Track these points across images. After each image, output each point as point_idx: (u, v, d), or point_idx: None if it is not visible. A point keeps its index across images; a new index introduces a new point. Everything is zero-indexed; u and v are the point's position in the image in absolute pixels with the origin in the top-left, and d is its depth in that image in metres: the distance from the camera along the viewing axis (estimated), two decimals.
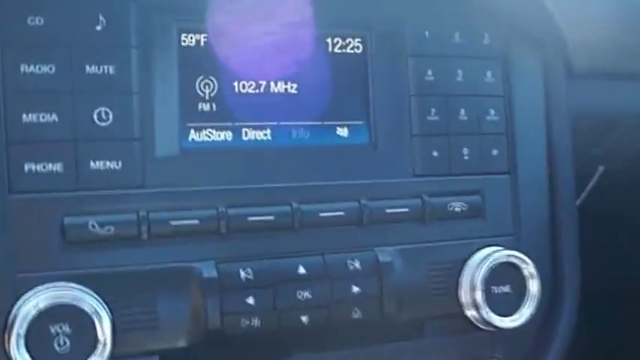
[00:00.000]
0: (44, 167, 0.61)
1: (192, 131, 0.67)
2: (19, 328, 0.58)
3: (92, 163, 0.63)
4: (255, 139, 0.70)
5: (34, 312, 0.58)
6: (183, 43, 0.67)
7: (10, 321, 0.58)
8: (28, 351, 0.57)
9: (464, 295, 0.74)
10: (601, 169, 0.96)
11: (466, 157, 0.76)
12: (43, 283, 0.60)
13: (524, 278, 0.75)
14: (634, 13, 0.85)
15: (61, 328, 0.59)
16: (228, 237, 0.66)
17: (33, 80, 0.61)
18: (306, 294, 0.67)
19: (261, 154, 0.69)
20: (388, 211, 0.71)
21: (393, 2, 0.74)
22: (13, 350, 0.57)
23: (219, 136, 0.68)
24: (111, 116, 0.63)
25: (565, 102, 0.81)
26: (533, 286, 0.75)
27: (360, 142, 0.73)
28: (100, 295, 0.61)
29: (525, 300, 0.75)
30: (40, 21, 0.62)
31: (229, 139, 0.69)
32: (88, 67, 0.63)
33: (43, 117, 0.61)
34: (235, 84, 0.69)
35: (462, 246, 0.75)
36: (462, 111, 0.76)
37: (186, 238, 0.65)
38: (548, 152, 0.81)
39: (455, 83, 0.76)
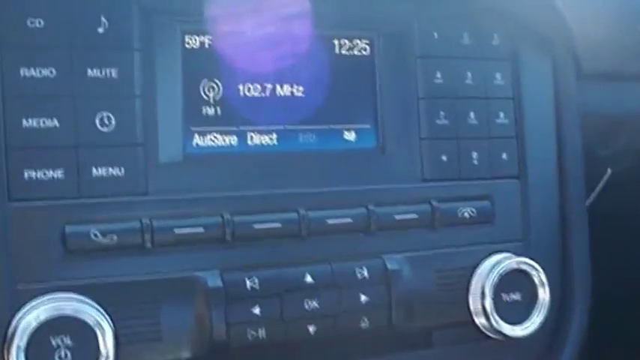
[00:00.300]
0: (45, 174, 0.60)
1: (196, 136, 0.66)
2: (20, 340, 0.56)
3: (94, 170, 0.61)
4: (261, 144, 0.68)
5: (34, 324, 0.56)
6: (186, 46, 0.66)
7: (9, 333, 0.57)
8: None
9: (473, 303, 0.73)
10: (609, 171, 0.95)
11: (475, 162, 0.75)
12: (44, 294, 0.58)
13: (534, 286, 0.74)
14: None
15: (62, 340, 0.57)
16: (233, 245, 0.64)
17: (33, 84, 0.59)
18: (314, 303, 0.66)
19: (267, 159, 0.68)
20: (397, 217, 0.70)
21: (401, 3, 0.73)
22: None
23: (224, 140, 0.67)
24: (113, 121, 0.62)
25: (576, 104, 0.80)
26: (544, 294, 0.74)
27: (368, 146, 0.72)
28: (102, 306, 0.59)
29: (536, 308, 0.74)
30: (40, 23, 0.60)
31: (234, 143, 0.67)
32: (89, 71, 0.61)
33: (44, 122, 0.60)
34: (240, 87, 0.68)
35: (471, 252, 0.74)
36: (472, 114, 0.75)
37: (190, 247, 0.63)
38: (558, 156, 0.79)
39: (464, 85, 0.75)
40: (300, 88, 0.70)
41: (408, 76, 0.73)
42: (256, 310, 0.64)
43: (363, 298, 0.67)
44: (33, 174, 0.59)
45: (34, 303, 0.58)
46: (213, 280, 0.63)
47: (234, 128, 0.67)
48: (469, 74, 0.75)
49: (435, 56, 0.74)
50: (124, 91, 0.62)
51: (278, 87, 0.69)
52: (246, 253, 0.65)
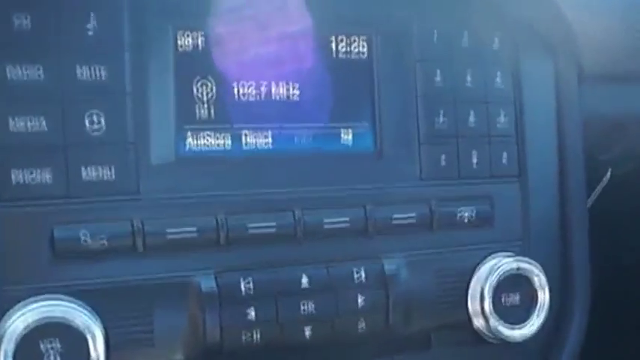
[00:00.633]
0: (32, 175, 0.58)
1: (189, 136, 0.65)
2: (7, 345, 0.55)
3: (84, 171, 0.60)
4: (256, 145, 0.67)
5: (22, 328, 0.55)
6: (179, 45, 0.64)
7: None
8: None
9: (472, 305, 0.72)
10: (609, 173, 0.94)
11: (475, 163, 0.74)
12: (32, 297, 0.57)
13: (534, 288, 0.73)
14: None
15: (51, 345, 0.56)
16: (227, 248, 0.63)
17: (20, 84, 0.58)
18: (310, 306, 0.65)
19: (262, 161, 0.67)
20: (395, 218, 0.69)
21: (400, 2, 0.72)
22: None
23: (218, 141, 0.66)
24: (103, 121, 0.61)
25: (577, 106, 0.79)
26: (544, 297, 0.73)
27: (365, 147, 0.71)
28: (93, 310, 0.58)
29: (535, 310, 0.73)
30: (27, 20, 0.59)
31: (228, 144, 0.66)
32: (78, 70, 0.60)
33: (32, 122, 0.58)
34: (234, 87, 0.66)
35: (470, 254, 0.73)
36: (471, 116, 0.74)
37: (183, 249, 0.62)
38: (559, 158, 0.79)
39: (464, 87, 0.74)
40: (296, 88, 0.68)
41: (407, 77, 0.72)
42: (251, 314, 0.63)
43: (360, 300, 0.66)
44: (20, 175, 0.58)
45: (22, 307, 0.57)
46: (207, 283, 0.62)
47: (229, 128, 0.66)
48: (469, 76, 0.74)
49: (434, 57, 0.73)
50: (115, 91, 0.61)
51: (273, 87, 0.68)
52: (240, 255, 0.64)
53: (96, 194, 0.60)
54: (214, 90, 0.66)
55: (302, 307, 0.64)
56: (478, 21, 0.75)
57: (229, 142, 0.66)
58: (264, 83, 0.67)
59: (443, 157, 0.72)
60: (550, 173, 0.78)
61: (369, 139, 0.71)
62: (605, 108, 0.84)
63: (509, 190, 0.76)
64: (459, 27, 0.74)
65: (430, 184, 0.72)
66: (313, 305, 0.65)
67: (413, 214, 0.70)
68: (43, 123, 0.59)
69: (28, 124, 0.58)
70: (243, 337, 0.62)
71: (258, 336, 0.63)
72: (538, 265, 0.73)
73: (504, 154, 0.75)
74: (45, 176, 0.59)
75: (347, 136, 0.70)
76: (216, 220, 0.63)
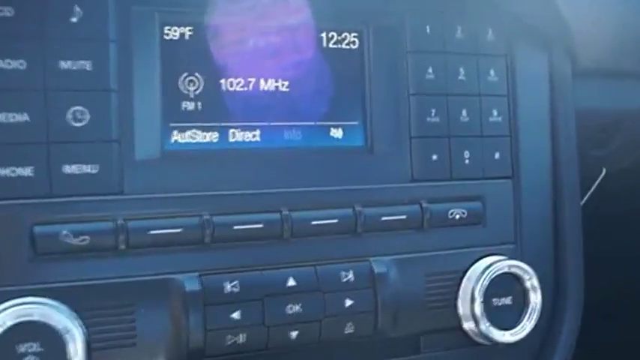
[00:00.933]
0: (13, 171, 0.57)
1: (175, 132, 0.63)
2: None
3: (66, 167, 0.58)
4: (244, 141, 0.66)
5: None
6: (165, 37, 0.63)
7: None
8: None
9: (462, 307, 0.71)
10: (604, 171, 0.93)
11: (467, 161, 0.72)
12: (10, 298, 0.56)
13: (526, 290, 0.72)
14: None
15: (29, 347, 0.54)
16: (212, 247, 0.62)
17: (2, 76, 0.57)
18: (297, 308, 0.63)
19: (250, 157, 0.65)
20: (384, 218, 0.68)
21: None
22: None
23: (205, 137, 0.64)
24: (87, 116, 0.59)
25: (572, 102, 0.78)
26: (536, 299, 0.72)
27: (356, 144, 0.69)
28: (73, 311, 0.57)
29: (527, 313, 0.72)
30: (9, 11, 0.57)
31: (215, 140, 0.65)
32: (62, 63, 0.58)
33: (13, 116, 0.57)
34: (222, 81, 0.65)
35: (461, 255, 0.72)
36: (464, 112, 0.73)
37: (167, 249, 0.61)
38: (552, 155, 0.77)
39: (456, 82, 0.73)
40: (286, 83, 0.67)
41: (399, 71, 0.71)
42: (236, 315, 0.61)
43: (348, 302, 0.65)
44: (1, 171, 0.56)
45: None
46: (191, 284, 0.61)
47: (216, 124, 0.65)
48: (462, 70, 0.73)
49: (426, 51, 0.72)
50: (99, 85, 0.59)
51: (262, 81, 0.66)
52: (226, 255, 0.63)
53: (79, 191, 0.59)
54: (202, 85, 0.64)
55: (288, 309, 0.63)
56: (471, 14, 0.73)
57: (216, 138, 0.65)
58: (253, 78, 0.66)
59: (434, 154, 0.71)
60: (543, 171, 0.77)
61: (359, 134, 0.70)
62: (600, 103, 0.84)
63: (501, 189, 0.75)
64: (452, 21, 0.73)
65: (421, 183, 0.70)
66: (300, 307, 0.63)
67: (403, 214, 0.69)
68: (25, 117, 0.57)
69: (9, 118, 0.57)
70: (228, 340, 0.61)
71: (244, 338, 0.62)
72: (530, 266, 0.72)
73: (497, 152, 0.74)
74: (26, 173, 0.57)
75: (337, 132, 0.69)
76: (202, 219, 0.61)
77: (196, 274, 0.61)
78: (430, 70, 0.71)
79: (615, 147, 0.90)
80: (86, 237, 0.58)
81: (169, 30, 0.63)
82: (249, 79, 0.66)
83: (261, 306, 0.62)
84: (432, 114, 0.71)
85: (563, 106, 0.78)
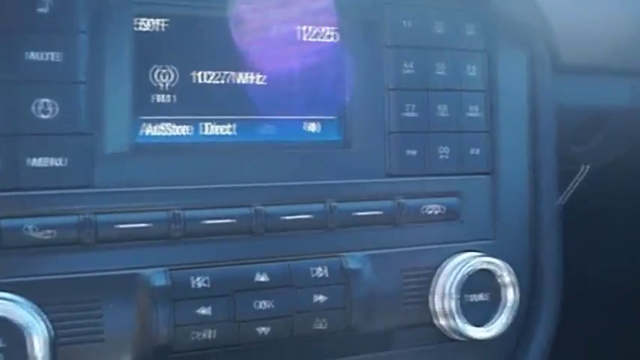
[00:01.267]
0: None
1: (145, 125, 0.62)
2: None
3: (33, 160, 0.57)
4: (218, 134, 0.64)
5: None
6: (137, 28, 0.62)
7: None
8: None
9: (436, 303, 0.70)
10: (585, 168, 0.92)
11: (445, 157, 0.72)
12: None
13: (501, 286, 0.72)
14: (623, 6, 0.81)
15: None
16: (182, 242, 0.61)
17: None
18: (268, 304, 0.63)
19: (224, 151, 0.65)
20: (358, 213, 0.67)
21: None
22: None
23: (178, 130, 0.63)
24: (56, 108, 0.58)
25: (551, 98, 0.78)
26: (510, 295, 0.72)
27: (332, 139, 0.69)
28: (37, 306, 0.56)
29: (502, 309, 0.72)
30: None
31: (188, 134, 0.64)
32: (29, 54, 0.57)
33: None
34: (197, 74, 0.64)
35: (436, 251, 0.71)
36: (442, 107, 0.72)
37: (136, 243, 0.60)
38: (531, 152, 0.77)
39: (435, 77, 0.72)
40: (262, 77, 0.66)
41: (377, 65, 0.70)
42: (205, 311, 0.61)
43: (320, 298, 0.65)
44: None
45: None
46: (160, 279, 0.60)
47: (189, 117, 0.64)
48: (441, 65, 0.72)
49: (405, 46, 0.71)
50: (68, 77, 0.59)
51: (238, 75, 0.65)
52: (196, 250, 0.62)
53: (46, 185, 0.58)
54: (175, 77, 0.63)
55: (259, 305, 0.62)
56: (451, 10, 0.73)
57: (190, 131, 0.64)
58: (228, 71, 0.65)
59: (411, 149, 0.70)
60: (522, 168, 0.76)
61: (336, 129, 0.69)
62: (580, 100, 0.83)
63: (478, 185, 0.74)
64: (432, 15, 0.72)
65: (397, 178, 0.70)
66: (271, 302, 0.63)
67: (378, 209, 0.68)
68: None
69: None
70: (197, 335, 0.60)
71: (214, 334, 0.61)
72: (506, 263, 0.72)
73: (475, 148, 0.73)
74: None
75: (314, 127, 0.68)
76: (171, 213, 0.61)
77: (165, 269, 0.61)
78: (409, 65, 0.71)
79: (596, 143, 0.90)
80: (52, 231, 0.57)
81: (141, 21, 0.62)
82: (224, 72, 0.65)
83: (232, 301, 0.62)
84: (410, 109, 0.71)
85: (543, 102, 0.77)
